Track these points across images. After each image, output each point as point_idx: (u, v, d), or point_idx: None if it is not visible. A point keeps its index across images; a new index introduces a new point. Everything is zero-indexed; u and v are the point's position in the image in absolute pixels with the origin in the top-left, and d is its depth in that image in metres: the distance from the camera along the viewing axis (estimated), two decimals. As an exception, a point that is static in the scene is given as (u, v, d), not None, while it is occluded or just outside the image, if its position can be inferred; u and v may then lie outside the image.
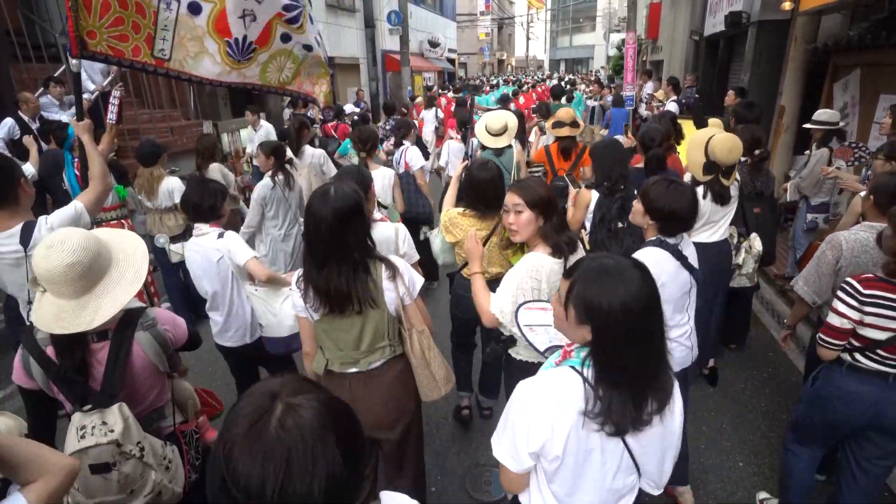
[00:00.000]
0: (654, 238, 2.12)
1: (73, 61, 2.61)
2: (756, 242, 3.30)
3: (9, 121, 5.23)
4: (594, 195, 3.06)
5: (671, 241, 2.10)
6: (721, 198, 3.02)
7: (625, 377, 1.17)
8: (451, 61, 29.35)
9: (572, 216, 3.15)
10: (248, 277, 2.55)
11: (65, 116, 5.79)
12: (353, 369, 1.95)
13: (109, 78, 6.38)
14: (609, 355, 1.18)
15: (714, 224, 3.10)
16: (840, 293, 1.97)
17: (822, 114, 4.21)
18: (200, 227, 2.53)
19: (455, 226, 2.65)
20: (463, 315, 2.89)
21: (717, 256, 3.15)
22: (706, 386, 3.57)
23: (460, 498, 2.72)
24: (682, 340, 2.23)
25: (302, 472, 0.67)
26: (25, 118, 5.35)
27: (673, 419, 1.27)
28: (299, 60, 3.26)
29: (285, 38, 3.08)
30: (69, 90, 6.31)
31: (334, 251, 1.76)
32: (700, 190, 3.01)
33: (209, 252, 2.49)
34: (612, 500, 1.32)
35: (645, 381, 1.18)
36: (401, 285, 1.89)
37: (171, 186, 4.11)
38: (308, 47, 3.24)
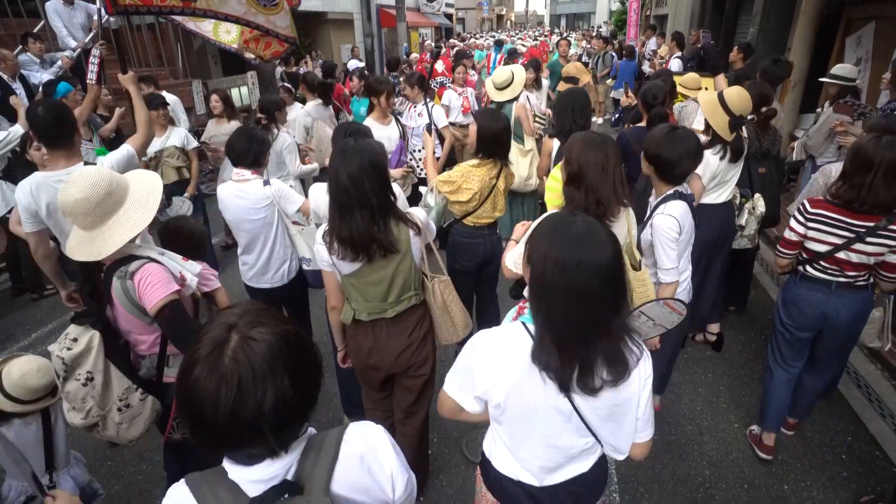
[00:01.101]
0: (672, 191, 2.22)
1: (112, 18, 2.86)
2: (760, 203, 3.23)
3: (-14, 80, 5.01)
4: (555, 143, 3.24)
5: (686, 192, 2.25)
6: (740, 152, 2.97)
7: (558, 336, 1.14)
8: (449, 16, 28.36)
9: (539, 164, 3.45)
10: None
11: (46, 74, 5.57)
12: (379, 317, 2.04)
13: (91, 34, 6.14)
14: (539, 309, 1.16)
15: (724, 184, 3.04)
16: (794, 212, 2.34)
17: (841, 68, 4.01)
18: (242, 173, 2.61)
19: (469, 179, 2.72)
20: (463, 262, 2.94)
21: (724, 218, 3.11)
22: (703, 348, 3.57)
23: (457, 460, 2.74)
24: (685, 286, 2.41)
25: (251, 396, 0.77)
26: (5, 77, 5.12)
27: (627, 386, 1.21)
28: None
29: None
30: (49, 47, 6.07)
31: (354, 200, 1.82)
32: (718, 150, 2.93)
33: (256, 198, 2.60)
34: (560, 458, 1.32)
35: (582, 345, 1.14)
36: (426, 236, 2.02)
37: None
38: None
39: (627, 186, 1.95)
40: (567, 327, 1.14)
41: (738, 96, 2.86)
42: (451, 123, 5.97)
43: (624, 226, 2.00)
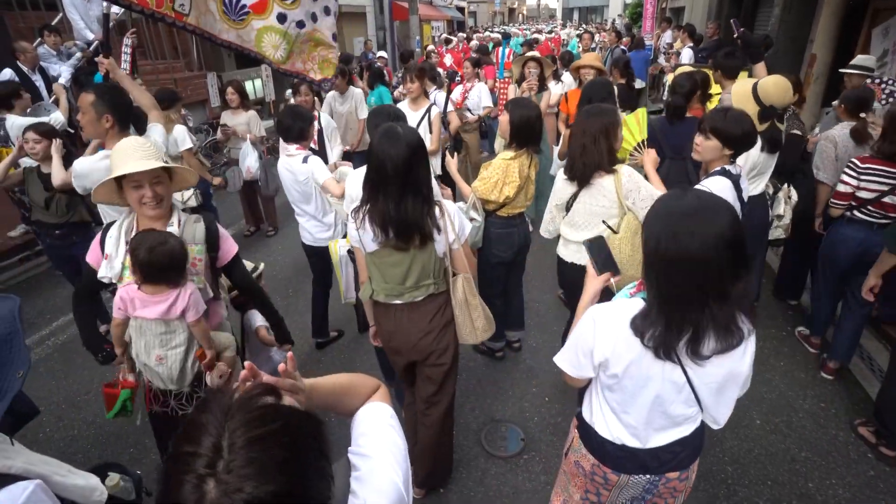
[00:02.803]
0: (720, 168, 2.38)
1: (115, 9, 3.12)
2: (793, 192, 3.20)
3: (7, 71, 5.06)
4: None
5: (734, 171, 2.37)
6: (776, 144, 2.94)
7: (669, 302, 1.23)
8: (461, 9, 28.20)
9: (559, 150, 3.72)
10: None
11: (65, 67, 5.62)
12: (398, 301, 2.04)
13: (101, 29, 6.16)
14: (652, 281, 1.26)
15: (762, 175, 3.02)
16: (846, 169, 2.83)
17: (864, 59, 3.94)
18: (288, 148, 2.99)
19: (510, 173, 2.75)
20: (500, 253, 2.97)
21: (761, 208, 3.10)
22: (724, 344, 3.53)
23: (476, 452, 2.73)
24: None
25: None
26: (25, 69, 5.18)
27: (741, 362, 1.32)
28: (292, 40, 3.40)
29: (281, 18, 3.28)
30: (65, 39, 6.11)
31: (407, 187, 1.83)
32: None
33: (297, 172, 2.98)
34: (666, 423, 1.42)
35: (695, 310, 1.21)
36: (451, 231, 1.97)
37: (178, 135, 3.98)
38: (300, 24, 3.36)
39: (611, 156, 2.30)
40: (680, 293, 1.21)
41: (775, 87, 2.83)
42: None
43: (610, 189, 2.31)
